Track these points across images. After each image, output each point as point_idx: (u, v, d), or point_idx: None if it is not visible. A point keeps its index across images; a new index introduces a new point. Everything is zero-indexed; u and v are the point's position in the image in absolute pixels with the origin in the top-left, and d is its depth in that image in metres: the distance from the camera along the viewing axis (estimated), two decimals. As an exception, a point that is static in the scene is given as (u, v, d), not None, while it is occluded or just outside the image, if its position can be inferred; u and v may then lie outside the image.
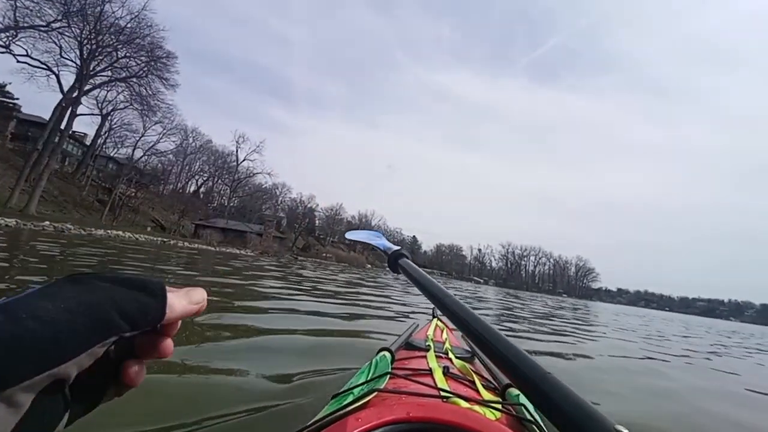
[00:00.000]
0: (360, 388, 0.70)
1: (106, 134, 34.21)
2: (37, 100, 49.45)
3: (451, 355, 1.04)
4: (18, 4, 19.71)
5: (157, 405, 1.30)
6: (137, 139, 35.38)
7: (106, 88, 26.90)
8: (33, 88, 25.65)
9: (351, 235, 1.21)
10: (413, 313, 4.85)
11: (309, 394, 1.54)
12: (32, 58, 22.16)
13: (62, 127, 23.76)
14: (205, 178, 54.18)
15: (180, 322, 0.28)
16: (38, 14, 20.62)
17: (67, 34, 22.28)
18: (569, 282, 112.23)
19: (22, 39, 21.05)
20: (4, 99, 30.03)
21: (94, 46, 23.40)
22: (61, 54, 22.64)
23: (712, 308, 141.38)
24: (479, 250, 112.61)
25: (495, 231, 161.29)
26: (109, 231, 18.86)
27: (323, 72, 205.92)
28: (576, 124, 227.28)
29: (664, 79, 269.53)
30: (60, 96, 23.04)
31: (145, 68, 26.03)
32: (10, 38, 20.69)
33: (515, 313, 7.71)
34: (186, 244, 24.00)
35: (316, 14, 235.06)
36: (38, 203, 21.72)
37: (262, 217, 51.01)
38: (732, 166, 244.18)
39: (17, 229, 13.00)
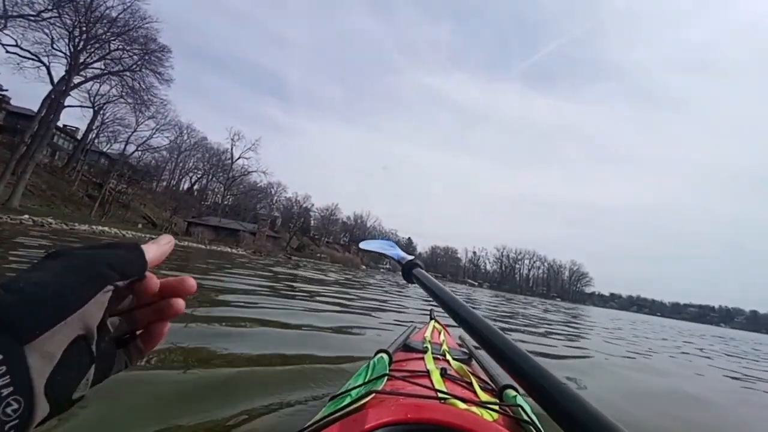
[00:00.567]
0: (358, 389, 0.70)
1: (98, 128, 33.61)
2: (27, 92, 48.54)
3: (448, 357, 1.04)
4: (7, -9, 19.18)
5: (151, 404, 1.28)
6: (129, 134, 34.87)
7: (98, 81, 26.38)
8: (21, 79, 24.87)
9: (365, 245, 1.22)
10: (413, 310, 4.57)
11: (307, 396, 1.53)
12: (22, 48, 21.56)
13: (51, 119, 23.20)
14: (199, 176, 53.65)
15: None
16: (28, 2, 20.09)
17: (57, 24, 21.75)
18: (563, 286, 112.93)
19: (11, 28, 20.47)
20: (-7, 90, 29.38)
21: (85, 37, 22.84)
22: (52, 45, 22.11)
23: (702, 314, 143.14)
24: (474, 252, 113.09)
25: (490, 234, 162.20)
26: (94, 227, 18.19)
27: (320, 72, 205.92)
28: (570, 130, 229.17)
29: (657, 88, 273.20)
30: (50, 88, 22.51)
31: (139, 62, 25.50)
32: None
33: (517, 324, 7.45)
34: (175, 242, 23.42)
35: (315, 15, 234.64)
36: (25, 197, 21.11)
37: (257, 216, 50.48)
38: (730, 175, 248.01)
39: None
